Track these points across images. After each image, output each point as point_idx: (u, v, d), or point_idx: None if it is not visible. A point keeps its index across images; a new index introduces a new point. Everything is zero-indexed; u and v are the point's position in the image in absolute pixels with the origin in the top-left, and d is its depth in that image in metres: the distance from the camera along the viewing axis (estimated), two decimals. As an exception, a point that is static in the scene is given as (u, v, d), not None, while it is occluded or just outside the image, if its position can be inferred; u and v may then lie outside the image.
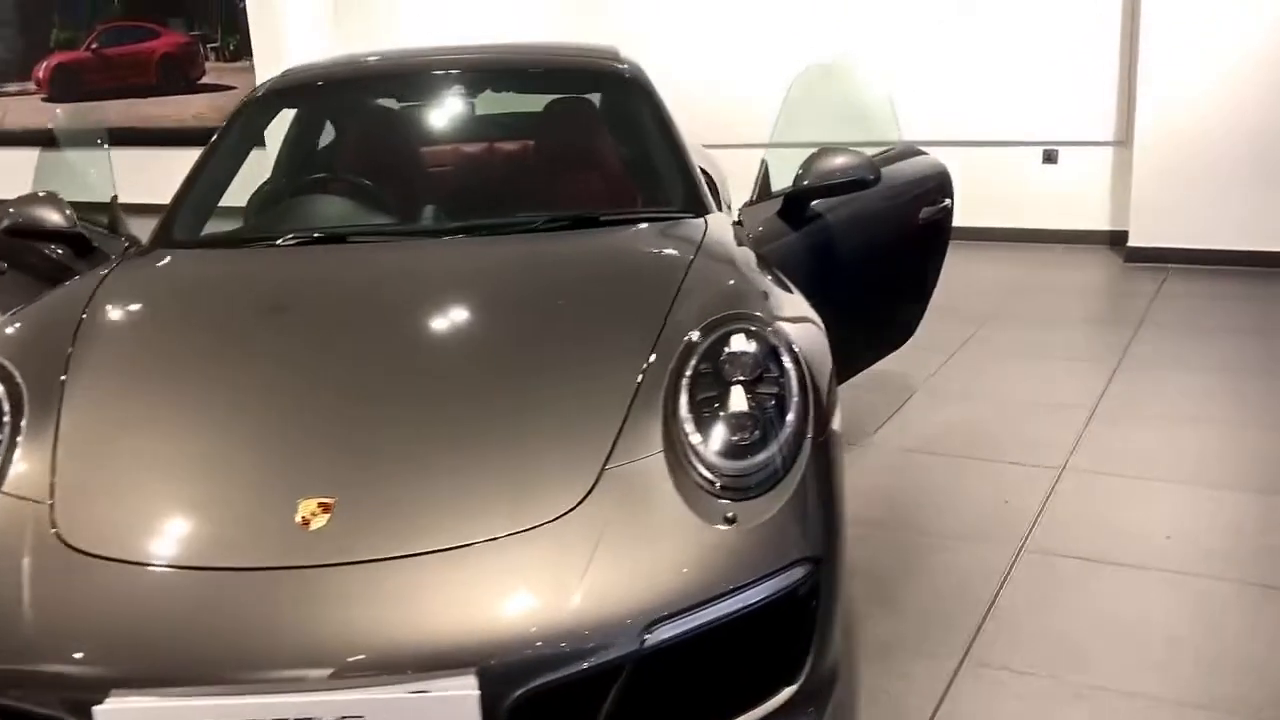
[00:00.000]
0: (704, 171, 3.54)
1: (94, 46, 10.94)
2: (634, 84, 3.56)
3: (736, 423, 2.18)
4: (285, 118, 3.81)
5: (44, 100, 11.37)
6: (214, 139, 3.46)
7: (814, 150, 3.44)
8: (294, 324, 2.65)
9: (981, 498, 3.55)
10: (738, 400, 2.22)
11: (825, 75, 4.07)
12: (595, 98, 3.83)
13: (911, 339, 4.16)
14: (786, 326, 2.39)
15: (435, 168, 3.65)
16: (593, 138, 3.64)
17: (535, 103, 4.04)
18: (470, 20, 8.67)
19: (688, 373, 2.25)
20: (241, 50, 9.76)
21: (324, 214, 3.37)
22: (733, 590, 1.95)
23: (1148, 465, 3.74)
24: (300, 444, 2.19)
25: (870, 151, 3.98)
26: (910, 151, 4.20)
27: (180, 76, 10.50)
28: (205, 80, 10.39)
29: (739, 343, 2.30)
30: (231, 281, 2.91)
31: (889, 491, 3.63)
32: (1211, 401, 4.37)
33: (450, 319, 2.63)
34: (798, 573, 2.02)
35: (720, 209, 3.38)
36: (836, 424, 2.34)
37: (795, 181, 3.38)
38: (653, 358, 2.30)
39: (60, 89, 11.22)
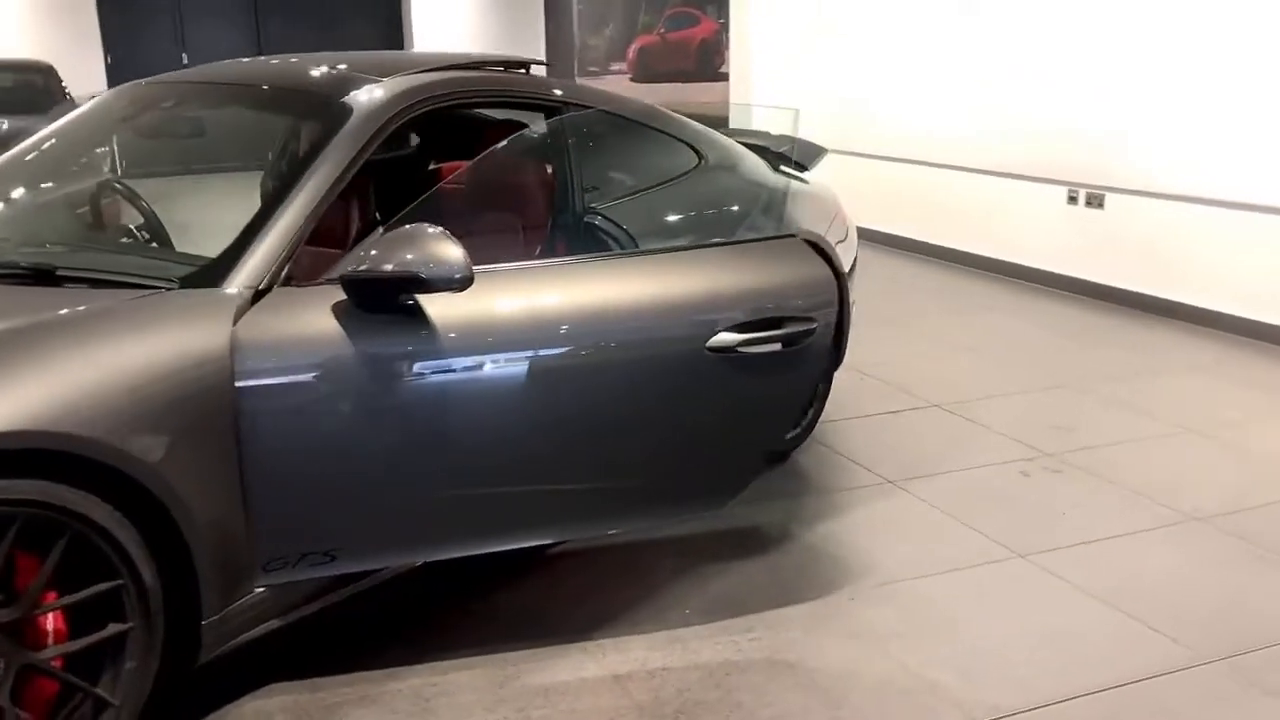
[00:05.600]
0: None
1: (661, 31, 11.60)
2: (328, 120, 2.83)
3: None
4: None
5: (630, 80, 12.40)
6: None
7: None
8: None
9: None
10: None
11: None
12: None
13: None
14: None
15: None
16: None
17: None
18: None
19: None
20: (743, 40, 9.61)
21: None
22: None
23: None
24: None
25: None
26: (778, 247, 2.79)
27: (708, 64, 10.68)
28: (723, 70, 10.44)
29: None
30: None
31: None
32: None
33: None
34: None
35: None
36: None
37: (356, 261, 2.45)
38: None
39: (640, 70, 12.13)
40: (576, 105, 3.42)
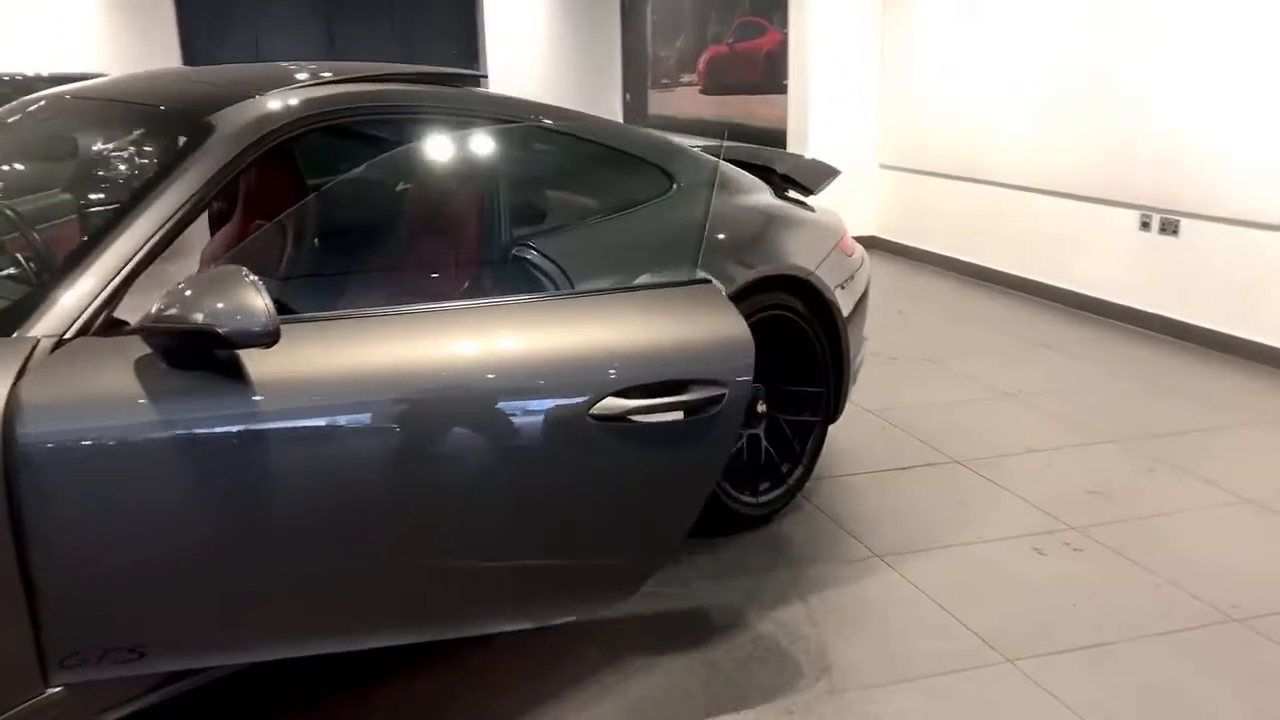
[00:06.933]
0: None
1: (730, 41, 11.13)
2: (185, 141, 2.47)
3: None
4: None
5: (700, 92, 11.95)
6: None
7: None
8: None
9: None
10: None
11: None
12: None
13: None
14: None
15: None
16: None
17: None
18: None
19: None
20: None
21: None
22: None
23: None
24: None
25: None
26: (687, 296, 2.34)
27: (774, 75, 10.17)
28: (786, 82, 9.92)
29: None
30: None
31: None
32: None
33: None
34: None
35: None
36: None
37: (163, 306, 2.08)
38: None
39: (710, 81, 11.68)
40: (510, 121, 3.02)
